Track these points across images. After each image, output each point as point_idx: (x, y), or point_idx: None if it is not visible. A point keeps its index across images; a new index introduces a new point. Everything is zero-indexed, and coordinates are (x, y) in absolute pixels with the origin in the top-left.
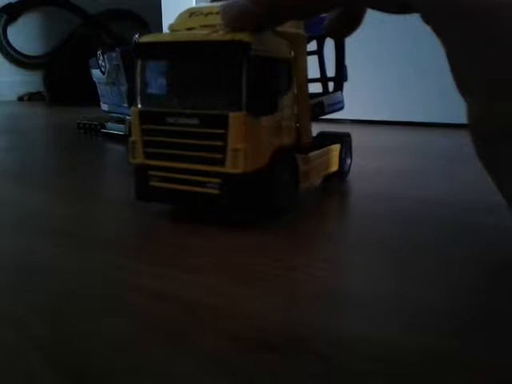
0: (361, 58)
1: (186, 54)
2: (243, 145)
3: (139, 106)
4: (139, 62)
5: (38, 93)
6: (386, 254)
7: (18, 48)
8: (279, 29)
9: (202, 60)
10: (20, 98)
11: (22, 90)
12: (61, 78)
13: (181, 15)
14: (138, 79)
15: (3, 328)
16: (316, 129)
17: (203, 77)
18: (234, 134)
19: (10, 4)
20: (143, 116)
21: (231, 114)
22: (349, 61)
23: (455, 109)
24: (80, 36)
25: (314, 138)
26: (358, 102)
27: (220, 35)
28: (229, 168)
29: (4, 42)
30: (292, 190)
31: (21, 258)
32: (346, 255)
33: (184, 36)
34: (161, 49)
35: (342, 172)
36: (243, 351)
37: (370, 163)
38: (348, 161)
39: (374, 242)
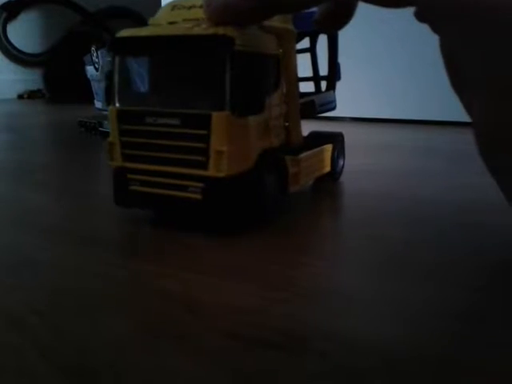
0: (360, 55)
1: (166, 50)
2: (227, 147)
3: (117, 104)
4: (117, 58)
5: (38, 91)
6: (384, 252)
7: (17, 46)
8: (266, 23)
9: (183, 56)
10: (20, 96)
11: (22, 88)
12: (60, 76)
13: (163, 9)
14: (116, 76)
15: (2, 326)
16: (310, 128)
17: (184, 74)
18: (217, 135)
19: (9, 2)
20: (121, 116)
21: (214, 114)
22: (348, 59)
23: (454, 107)
24: (79, 34)
25: (304, 137)
26: (358, 99)
27: (202, 29)
28: (212, 171)
29: (4, 40)
30: (280, 194)
31: (18, 255)
32: (345, 254)
33: (164, 30)
34: (139, 44)
35: (335, 173)
36: (243, 349)
37: (368, 162)
38: (341, 162)
39: (373, 241)
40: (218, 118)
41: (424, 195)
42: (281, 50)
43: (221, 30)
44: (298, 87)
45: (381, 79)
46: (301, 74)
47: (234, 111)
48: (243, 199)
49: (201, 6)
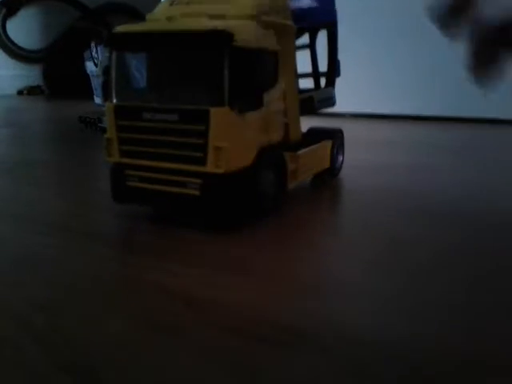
0: (361, 52)
1: (164, 45)
2: (226, 143)
3: (114, 100)
4: (114, 54)
5: (38, 86)
6: (389, 247)
7: (17, 42)
8: (265, 19)
9: (182, 51)
10: (19, 92)
11: (22, 84)
12: (60, 72)
13: (161, 4)
14: (113, 72)
15: (4, 322)
16: (310, 124)
17: (182, 69)
18: (216, 130)
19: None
20: (118, 111)
21: (212, 110)
22: (350, 55)
23: (454, 103)
24: (79, 30)
25: (304, 134)
26: (359, 95)
27: (201, 25)
28: (210, 167)
29: (3, 36)
30: (280, 190)
31: (20, 252)
32: (346, 249)
33: (162, 25)
34: (137, 39)
35: (334, 169)
36: (243, 345)
37: (368, 158)
38: (340, 158)
39: (376, 237)
40: (216, 114)
41: (424, 191)
42: (279, 46)
43: (220, 26)
44: (297, 83)
45: (381, 75)
46: (300, 70)
47: (233, 107)
48: (242, 196)
49: (199, 2)
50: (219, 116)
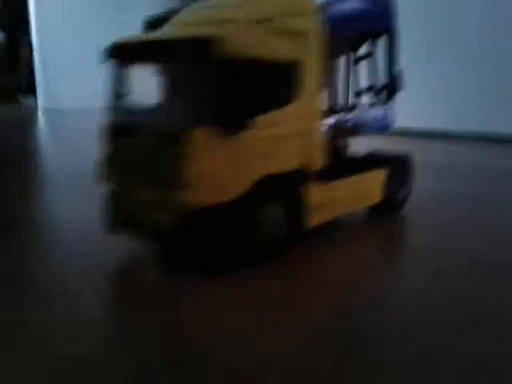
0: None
1: (153, 57)
2: (203, 169)
3: (110, 118)
4: (114, 67)
5: None
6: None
7: None
8: (281, 24)
9: (164, 62)
10: None
11: None
12: None
13: (182, 12)
14: (111, 87)
15: None
16: (371, 147)
17: (166, 82)
18: (195, 154)
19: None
20: (110, 130)
21: (188, 131)
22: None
23: None
24: None
25: (353, 160)
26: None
27: (188, 32)
28: (184, 198)
29: None
30: (292, 230)
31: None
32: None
33: (154, 36)
34: (131, 51)
35: (390, 203)
36: None
37: (440, 186)
38: (400, 189)
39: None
40: (191, 136)
41: (490, 230)
42: (298, 56)
43: (207, 33)
44: (320, 99)
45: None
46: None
47: (216, 127)
48: (225, 234)
49: (222, 5)
50: (195, 138)
